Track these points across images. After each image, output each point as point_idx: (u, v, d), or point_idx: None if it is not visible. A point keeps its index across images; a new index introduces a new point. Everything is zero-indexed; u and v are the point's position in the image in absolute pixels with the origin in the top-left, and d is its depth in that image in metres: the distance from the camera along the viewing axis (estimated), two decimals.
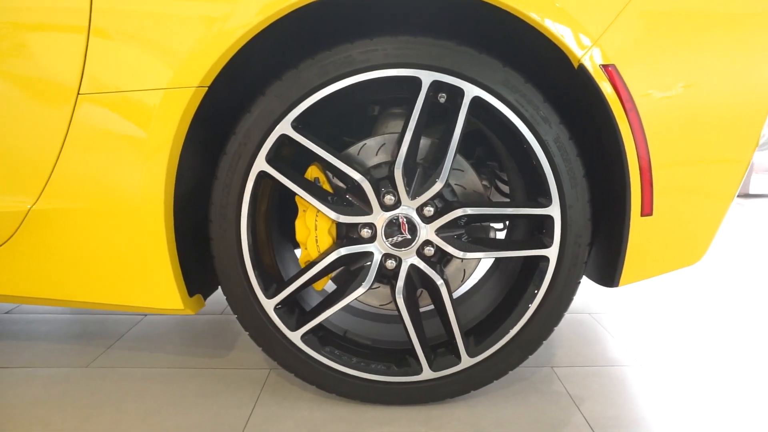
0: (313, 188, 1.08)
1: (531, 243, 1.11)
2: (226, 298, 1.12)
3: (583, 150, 1.12)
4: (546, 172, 1.04)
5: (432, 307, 1.20)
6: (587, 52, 0.98)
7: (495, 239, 1.15)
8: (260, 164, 1.04)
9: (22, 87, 1.03)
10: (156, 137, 1.01)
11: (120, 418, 1.12)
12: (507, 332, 1.12)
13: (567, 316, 1.66)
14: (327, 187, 1.12)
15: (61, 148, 1.05)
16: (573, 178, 1.04)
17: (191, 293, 1.16)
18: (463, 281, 1.21)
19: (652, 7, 0.97)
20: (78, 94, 1.03)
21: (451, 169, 1.15)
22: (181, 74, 0.99)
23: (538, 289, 1.09)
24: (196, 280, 1.18)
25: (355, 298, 1.10)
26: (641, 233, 1.07)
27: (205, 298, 1.21)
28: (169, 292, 1.11)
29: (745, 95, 1.00)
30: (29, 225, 1.10)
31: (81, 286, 1.13)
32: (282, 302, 1.11)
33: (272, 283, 1.13)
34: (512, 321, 1.11)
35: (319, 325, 1.14)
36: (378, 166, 1.15)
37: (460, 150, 1.20)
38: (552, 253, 1.07)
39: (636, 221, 1.06)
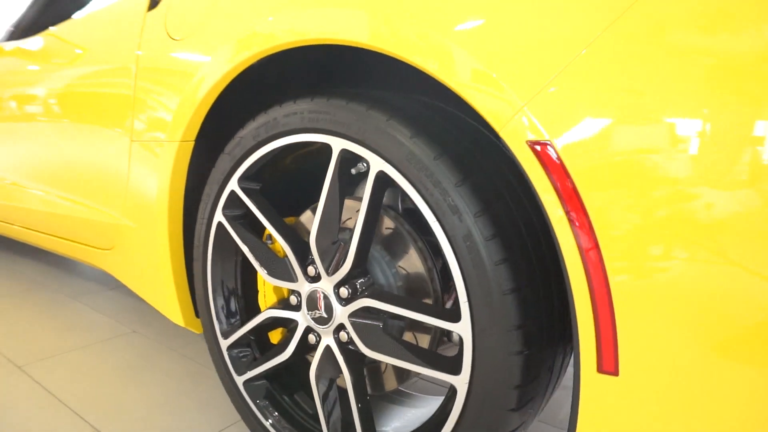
0: (257, 245, 1.08)
1: (444, 363, 0.85)
2: (203, 331, 1.24)
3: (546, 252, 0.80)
4: (455, 278, 0.78)
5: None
6: (509, 122, 0.70)
7: (408, 344, 0.91)
8: (218, 215, 1.11)
9: (101, 137, 1.40)
10: (161, 175, 1.20)
11: (135, 395, 1.38)
12: None
13: None
14: (278, 246, 1.10)
15: (128, 177, 1.37)
16: (488, 294, 0.75)
17: None
18: (403, 380, 1.01)
19: (611, 63, 0.62)
20: (131, 141, 1.31)
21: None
22: (170, 130, 1.15)
23: (441, 427, 0.83)
24: None
25: (276, 365, 1.06)
26: (599, 396, 0.70)
27: None
28: (173, 307, 1.30)
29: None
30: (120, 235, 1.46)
31: (138, 283, 1.44)
32: (234, 344, 1.16)
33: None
34: None
35: (274, 375, 1.15)
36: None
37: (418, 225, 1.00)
38: (460, 383, 0.80)
39: (589, 378, 0.70)
